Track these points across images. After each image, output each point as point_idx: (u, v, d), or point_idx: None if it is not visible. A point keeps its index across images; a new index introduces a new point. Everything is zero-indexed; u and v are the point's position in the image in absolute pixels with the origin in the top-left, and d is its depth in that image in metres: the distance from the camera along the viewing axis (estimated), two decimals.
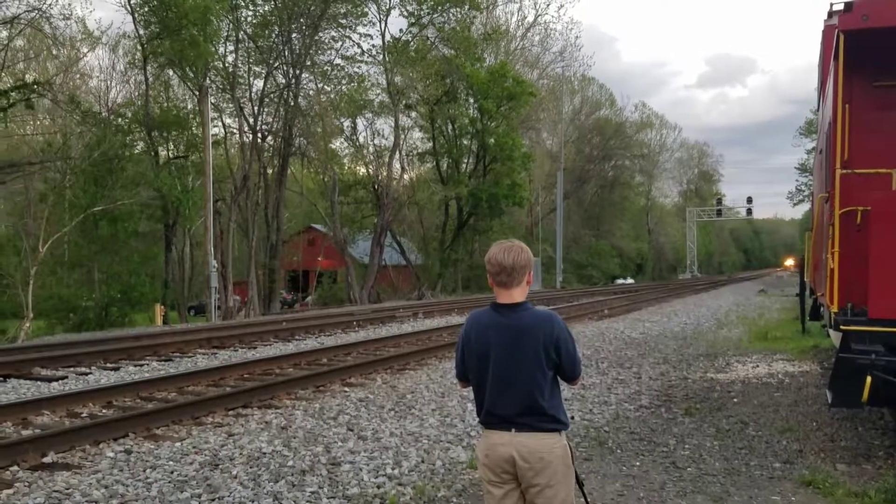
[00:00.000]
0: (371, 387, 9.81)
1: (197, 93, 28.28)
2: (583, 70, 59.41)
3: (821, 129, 9.80)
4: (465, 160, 42.48)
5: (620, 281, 58.16)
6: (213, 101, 29.54)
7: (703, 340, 15.66)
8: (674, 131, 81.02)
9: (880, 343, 5.76)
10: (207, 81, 27.99)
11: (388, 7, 36.00)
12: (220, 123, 33.54)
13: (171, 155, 31.23)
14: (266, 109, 32.82)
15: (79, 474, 5.81)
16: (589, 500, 3.36)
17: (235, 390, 9.01)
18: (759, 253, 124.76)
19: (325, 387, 9.79)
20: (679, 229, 79.68)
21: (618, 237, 66.21)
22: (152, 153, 29.49)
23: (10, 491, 5.42)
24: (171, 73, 30.28)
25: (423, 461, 6.24)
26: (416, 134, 43.19)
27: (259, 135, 32.20)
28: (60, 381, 10.26)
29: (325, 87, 34.64)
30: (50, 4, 23.07)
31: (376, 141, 39.41)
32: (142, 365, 11.88)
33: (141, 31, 28.09)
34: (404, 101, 37.20)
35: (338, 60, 34.81)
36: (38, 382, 10.24)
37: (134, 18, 27.79)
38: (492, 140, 39.79)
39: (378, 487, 5.54)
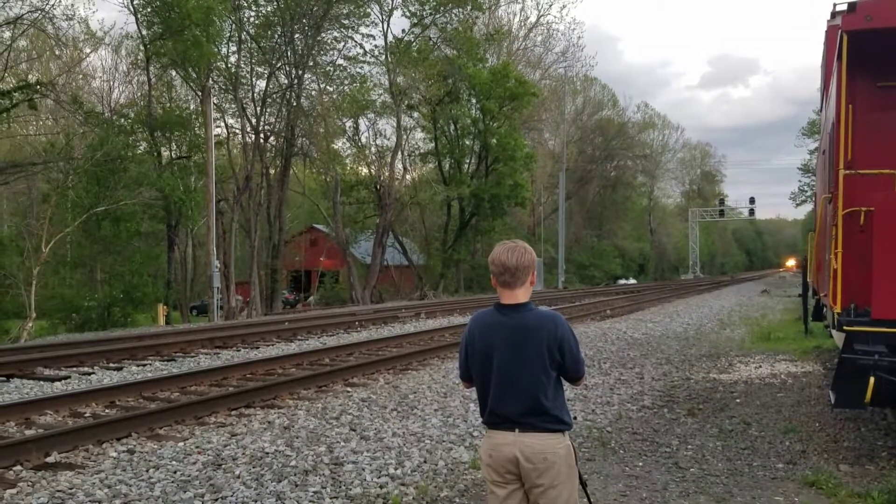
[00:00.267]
0: (373, 387, 9.81)
1: (199, 93, 28.31)
2: (585, 70, 59.53)
3: (824, 130, 9.79)
4: (468, 160, 42.52)
5: (622, 281, 58.14)
6: (215, 101, 29.62)
7: (705, 341, 15.64)
8: (676, 132, 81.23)
9: (883, 344, 5.75)
10: (210, 82, 28.03)
11: (390, 7, 36.09)
12: (222, 124, 33.64)
13: (173, 155, 31.31)
14: (268, 110, 32.88)
15: (82, 474, 5.81)
16: (592, 500, 3.36)
17: (238, 390, 9.02)
18: (761, 253, 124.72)
19: (327, 387, 9.80)
20: (681, 230, 79.68)
21: (620, 237, 66.23)
22: (155, 154, 29.54)
23: (14, 490, 5.43)
24: (173, 73, 30.34)
25: (425, 461, 6.24)
26: (419, 134, 43.33)
27: (261, 135, 32.24)
28: (63, 381, 10.29)
29: (328, 87, 34.71)
30: (53, 5, 23.18)
31: (378, 141, 39.55)
32: (144, 365, 11.90)
33: (144, 32, 28.16)
34: (406, 102, 37.25)
35: (340, 61, 34.91)
36: (41, 382, 10.27)
37: (137, 19, 27.88)
38: (494, 140, 39.83)
39: (381, 487, 5.55)
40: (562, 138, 54.19)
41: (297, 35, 32.08)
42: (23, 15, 22.87)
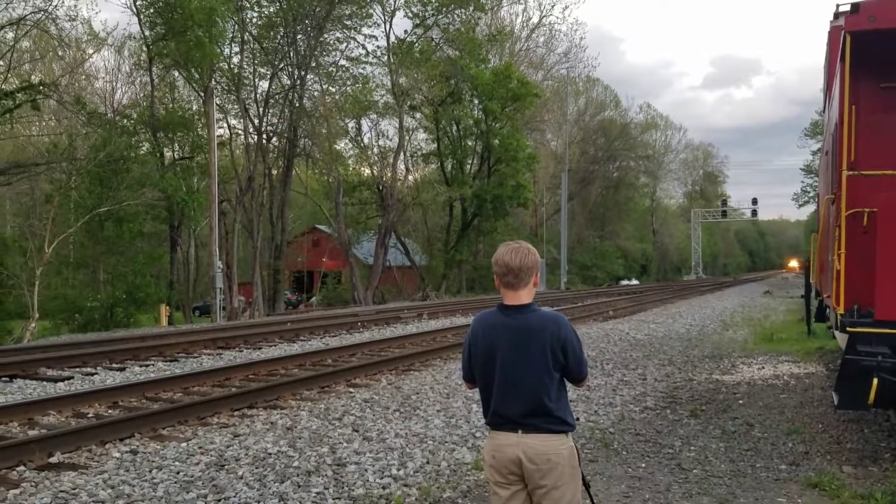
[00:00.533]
0: (376, 387, 9.82)
1: (202, 94, 28.34)
2: (588, 71, 59.43)
3: (827, 131, 9.76)
4: (470, 161, 42.51)
5: (625, 282, 58.07)
6: (218, 102, 29.62)
7: (708, 342, 15.62)
8: (679, 132, 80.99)
9: (886, 345, 5.74)
10: (213, 83, 28.05)
11: (392, 8, 36.14)
12: (225, 124, 33.64)
13: (176, 156, 31.32)
14: (271, 110, 32.90)
15: (85, 474, 5.83)
16: (595, 501, 3.36)
17: (241, 391, 9.03)
18: (763, 254, 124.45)
19: (330, 387, 9.80)
20: (684, 230, 79.60)
21: (622, 238, 66.16)
22: (157, 154, 29.56)
23: (17, 491, 5.44)
24: (176, 74, 30.35)
25: (428, 462, 6.24)
26: (421, 135, 43.35)
27: (264, 136, 32.26)
28: (66, 382, 10.30)
29: (330, 88, 34.71)
30: (56, 6, 23.22)
31: (381, 142, 39.53)
32: (147, 365, 11.92)
33: (146, 33, 28.18)
34: (409, 102, 37.25)
35: (343, 62, 34.94)
36: (44, 383, 10.29)
37: (139, 20, 27.88)
38: (496, 141, 39.82)
39: (383, 488, 5.55)
40: (564, 139, 54.17)
41: (299, 36, 32.10)
42: (26, 16, 22.94)
